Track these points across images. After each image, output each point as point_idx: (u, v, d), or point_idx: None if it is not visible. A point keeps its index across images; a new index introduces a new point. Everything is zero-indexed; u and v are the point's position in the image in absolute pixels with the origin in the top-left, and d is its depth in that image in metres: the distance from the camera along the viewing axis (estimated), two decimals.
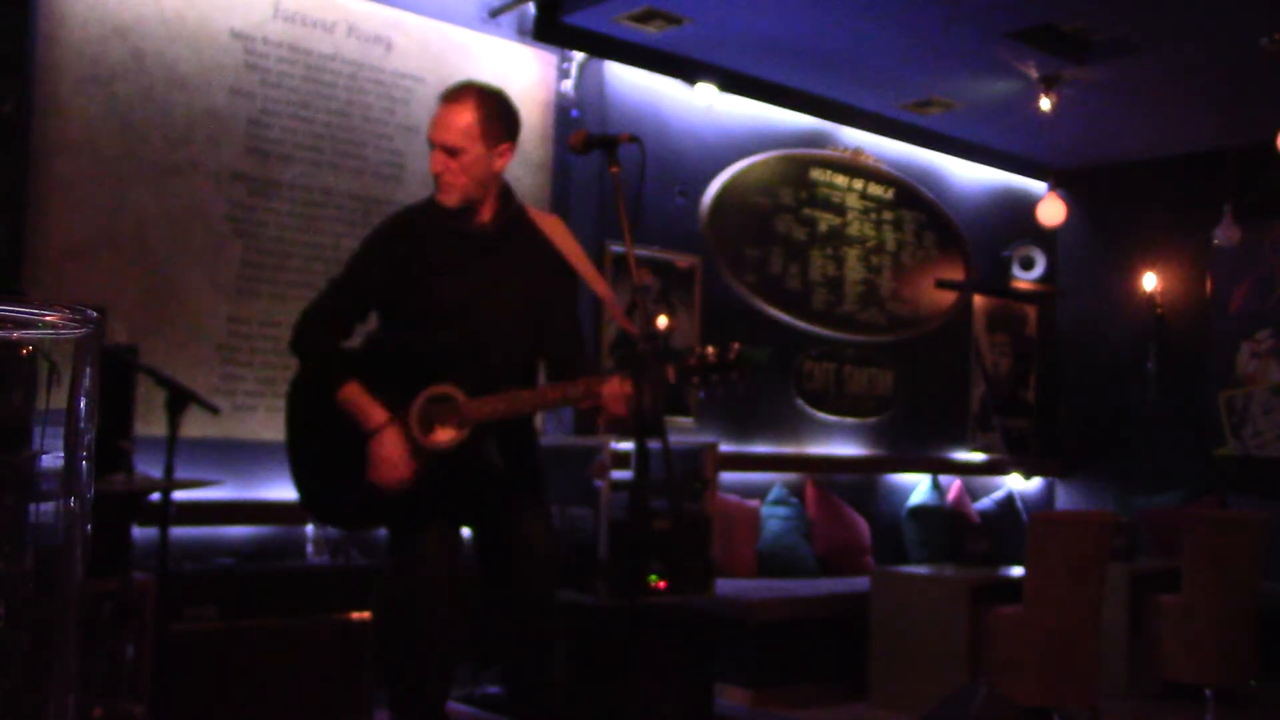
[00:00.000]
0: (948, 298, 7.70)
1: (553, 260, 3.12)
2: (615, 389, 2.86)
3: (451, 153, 3.00)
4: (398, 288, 3.06)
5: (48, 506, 0.43)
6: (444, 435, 2.97)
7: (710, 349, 2.84)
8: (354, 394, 2.99)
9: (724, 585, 5.46)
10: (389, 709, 3.14)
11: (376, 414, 2.96)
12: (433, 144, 3.03)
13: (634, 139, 2.85)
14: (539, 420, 5.08)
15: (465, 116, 3.00)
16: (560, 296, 3.17)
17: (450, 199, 3.03)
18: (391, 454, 2.94)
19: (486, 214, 3.08)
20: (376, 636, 4.25)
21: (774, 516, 6.40)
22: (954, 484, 7.44)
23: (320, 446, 3.11)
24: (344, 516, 3.30)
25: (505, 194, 3.12)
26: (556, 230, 3.17)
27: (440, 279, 3.04)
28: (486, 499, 3.10)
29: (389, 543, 3.13)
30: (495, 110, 3.04)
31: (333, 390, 3.01)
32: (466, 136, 2.99)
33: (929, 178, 7.63)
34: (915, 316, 7.52)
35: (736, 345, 2.85)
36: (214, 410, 3.73)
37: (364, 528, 3.82)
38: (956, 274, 7.76)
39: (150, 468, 3.98)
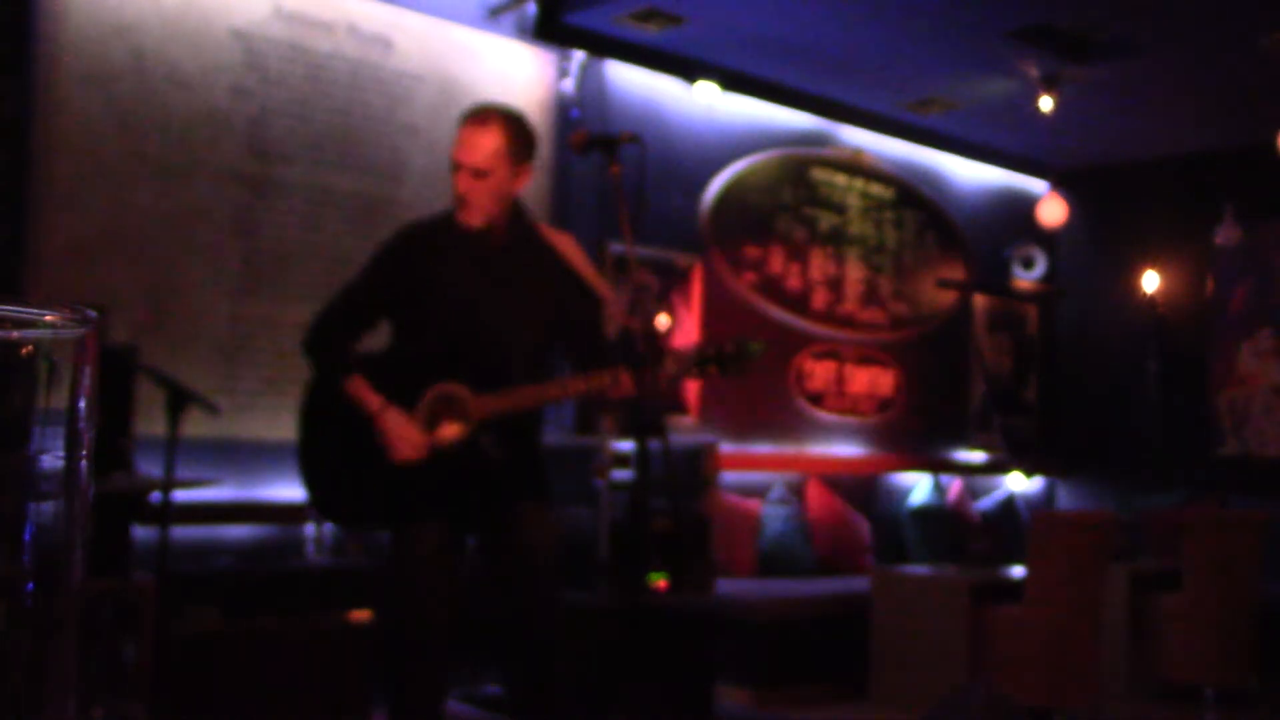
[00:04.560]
0: (948, 297, 7.70)
1: (562, 268, 3.19)
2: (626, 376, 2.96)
3: (479, 175, 3.05)
4: (407, 295, 3.14)
5: (47, 506, 0.42)
6: (450, 430, 3.02)
7: (709, 345, 3.04)
8: (357, 386, 3.08)
9: (724, 585, 5.46)
10: (387, 710, 3.15)
11: (374, 400, 3.05)
12: (458, 165, 3.08)
13: (635, 138, 2.89)
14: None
15: (493, 139, 3.05)
16: (577, 303, 3.23)
17: (475, 220, 3.09)
18: (397, 428, 3.01)
19: (499, 228, 3.14)
20: (376, 636, 4.25)
21: (775, 516, 6.40)
22: (954, 484, 7.44)
23: (329, 445, 3.16)
24: (349, 515, 3.36)
25: (517, 210, 3.20)
26: (566, 244, 3.25)
27: (450, 287, 3.12)
28: (487, 495, 3.13)
29: (390, 543, 3.15)
30: (520, 133, 3.11)
31: (339, 385, 3.09)
32: (494, 158, 3.05)
33: (930, 177, 7.63)
34: (916, 316, 7.52)
35: (730, 341, 2.98)
36: (214, 410, 3.73)
37: (368, 526, 3.86)
38: (957, 274, 7.76)
39: (151, 467, 3.98)
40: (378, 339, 3.30)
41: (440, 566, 3.05)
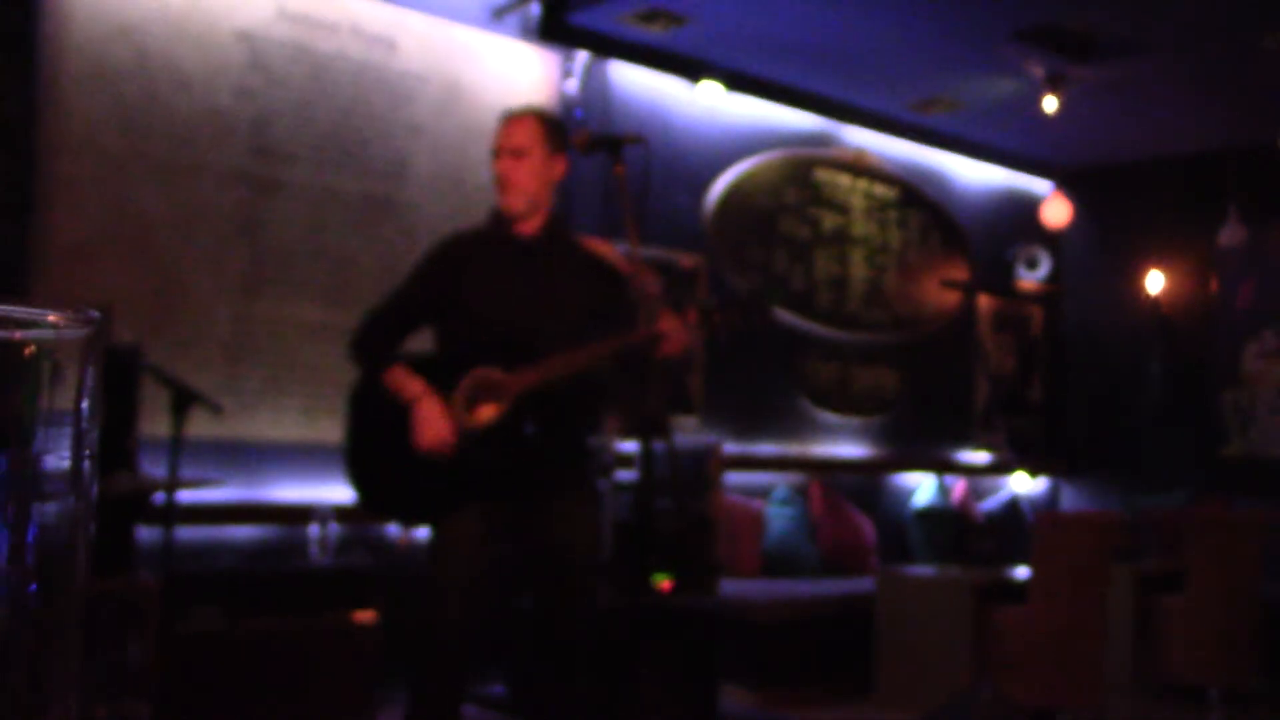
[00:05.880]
0: (952, 297, 7.70)
1: (598, 266, 3.30)
2: (670, 325, 2.99)
3: (517, 154, 3.18)
4: (449, 298, 3.22)
5: (51, 507, 0.42)
6: (486, 411, 3.06)
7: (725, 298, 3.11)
8: (397, 374, 3.15)
9: (728, 586, 5.46)
10: (406, 702, 3.16)
11: (415, 386, 3.11)
12: (498, 152, 3.21)
13: (639, 139, 2.91)
14: None
15: (529, 123, 3.22)
16: (612, 300, 3.30)
17: (516, 202, 3.18)
18: (429, 415, 3.06)
19: (534, 226, 3.22)
20: (380, 636, 4.25)
21: (779, 517, 6.39)
22: (959, 484, 7.43)
23: (374, 441, 3.20)
24: (394, 509, 3.43)
25: (555, 213, 3.31)
26: (604, 249, 3.43)
27: (489, 288, 3.20)
28: (528, 482, 3.14)
29: (430, 536, 3.20)
30: (554, 124, 3.29)
31: (380, 376, 3.16)
32: (532, 139, 3.19)
33: (933, 178, 7.62)
34: (920, 316, 7.51)
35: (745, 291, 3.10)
36: (218, 410, 3.74)
37: (412, 520, 3.92)
38: (961, 274, 7.75)
39: (154, 467, 3.98)
40: (422, 344, 3.34)
41: (476, 561, 3.09)
